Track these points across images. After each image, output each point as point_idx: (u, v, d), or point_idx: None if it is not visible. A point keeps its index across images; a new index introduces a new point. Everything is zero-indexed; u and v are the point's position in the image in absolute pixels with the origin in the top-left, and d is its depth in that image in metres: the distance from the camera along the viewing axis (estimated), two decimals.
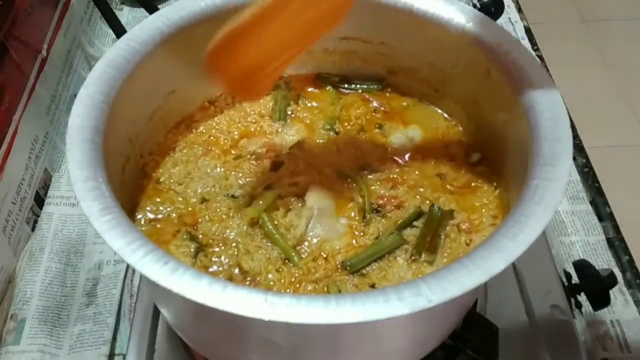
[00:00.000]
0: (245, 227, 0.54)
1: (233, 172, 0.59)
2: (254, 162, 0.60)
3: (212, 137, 0.62)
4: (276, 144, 0.61)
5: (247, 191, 0.57)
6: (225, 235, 0.53)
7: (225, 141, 0.62)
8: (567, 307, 0.64)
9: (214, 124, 0.63)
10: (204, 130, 0.63)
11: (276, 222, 0.54)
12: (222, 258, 0.52)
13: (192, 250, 0.52)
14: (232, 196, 0.56)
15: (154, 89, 0.57)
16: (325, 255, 0.52)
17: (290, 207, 0.56)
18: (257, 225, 0.54)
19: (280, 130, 0.63)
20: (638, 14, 2.20)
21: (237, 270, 0.51)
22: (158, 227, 0.54)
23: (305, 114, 0.65)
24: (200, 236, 0.54)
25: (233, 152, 0.61)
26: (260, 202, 0.55)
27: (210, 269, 0.52)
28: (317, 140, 0.62)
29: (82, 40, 0.99)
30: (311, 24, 0.49)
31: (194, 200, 0.56)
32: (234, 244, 0.53)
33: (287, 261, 0.52)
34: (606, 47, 2.09)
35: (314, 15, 0.49)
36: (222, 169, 0.59)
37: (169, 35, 0.56)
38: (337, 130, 0.63)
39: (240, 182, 0.58)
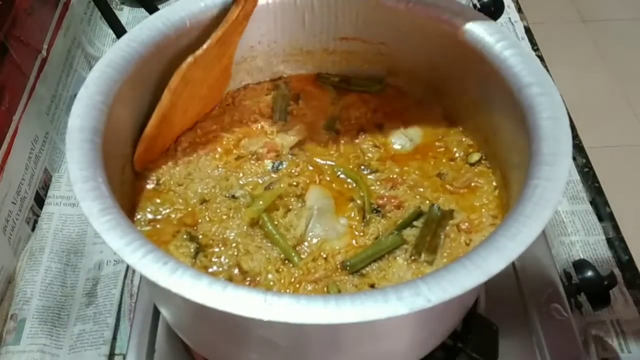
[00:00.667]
0: (245, 227, 0.54)
1: (234, 173, 0.59)
2: (254, 162, 0.60)
3: (214, 136, 0.62)
4: (277, 144, 0.61)
5: (247, 191, 0.57)
6: (225, 236, 0.53)
7: (228, 140, 0.62)
8: (567, 307, 0.64)
9: (216, 124, 0.63)
10: (207, 130, 0.63)
11: (276, 222, 0.54)
12: (222, 258, 0.52)
13: (191, 250, 0.52)
14: (233, 197, 0.56)
15: (154, 89, 0.57)
16: (325, 256, 0.52)
17: (290, 207, 0.56)
18: (257, 225, 0.54)
19: (280, 130, 0.63)
20: (638, 14, 2.20)
21: (236, 271, 0.51)
22: (157, 228, 0.54)
23: (305, 114, 0.65)
24: (200, 237, 0.54)
25: (235, 152, 0.61)
26: (260, 202, 0.55)
27: (210, 269, 0.52)
28: (318, 140, 0.62)
29: (82, 40, 1.00)
30: (205, 95, 0.61)
31: (194, 201, 0.56)
32: (233, 244, 0.53)
33: (287, 261, 0.52)
34: (606, 47, 2.09)
35: (204, 90, 0.60)
36: (223, 170, 0.59)
37: (168, 36, 0.56)
38: (337, 130, 0.63)
39: (240, 182, 0.58)
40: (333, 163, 0.60)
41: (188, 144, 0.61)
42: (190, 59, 0.55)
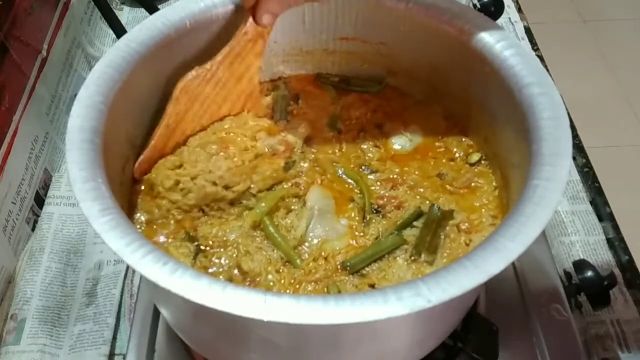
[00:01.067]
0: (246, 228, 0.53)
1: (248, 175, 0.55)
2: (269, 159, 0.57)
3: (227, 134, 0.58)
4: (291, 141, 0.60)
5: (252, 193, 0.55)
6: (225, 237, 0.53)
7: (244, 139, 0.58)
8: (567, 307, 0.64)
9: (231, 120, 0.60)
10: (221, 129, 0.59)
11: (277, 223, 0.54)
12: (222, 259, 0.52)
13: (191, 251, 0.52)
14: (238, 203, 0.55)
15: (154, 89, 0.57)
16: (325, 256, 0.52)
17: (291, 207, 0.55)
18: (258, 227, 0.54)
19: (283, 130, 0.62)
20: (638, 14, 2.20)
21: (236, 271, 0.51)
22: (155, 229, 0.54)
23: (306, 113, 0.65)
24: (200, 239, 0.53)
25: (251, 148, 0.57)
26: (263, 204, 0.54)
27: (210, 270, 0.51)
28: (323, 137, 0.62)
29: (82, 40, 1.00)
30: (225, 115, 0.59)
31: (194, 209, 0.54)
32: (234, 245, 0.53)
33: (287, 262, 0.52)
34: (606, 47, 2.09)
35: (223, 111, 0.58)
36: (237, 169, 0.55)
37: (168, 36, 0.55)
38: (339, 129, 0.63)
39: (249, 181, 0.55)
40: (338, 163, 0.60)
41: (197, 145, 0.57)
42: (193, 71, 0.55)
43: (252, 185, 0.56)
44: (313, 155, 0.60)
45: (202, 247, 0.53)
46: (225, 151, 0.56)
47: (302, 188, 0.57)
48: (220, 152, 0.55)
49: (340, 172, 0.59)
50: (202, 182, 0.53)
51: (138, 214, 0.55)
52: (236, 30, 0.56)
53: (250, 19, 0.55)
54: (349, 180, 0.58)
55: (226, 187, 0.55)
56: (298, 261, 0.51)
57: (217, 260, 0.52)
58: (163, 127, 0.55)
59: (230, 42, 0.56)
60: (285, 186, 0.57)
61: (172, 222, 0.54)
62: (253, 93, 0.60)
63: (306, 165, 0.59)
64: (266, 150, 0.58)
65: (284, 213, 0.55)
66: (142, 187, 0.56)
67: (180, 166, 0.55)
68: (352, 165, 0.60)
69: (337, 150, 0.61)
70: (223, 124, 0.58)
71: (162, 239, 0.53)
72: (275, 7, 0.54)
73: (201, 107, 0.57)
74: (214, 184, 0.54)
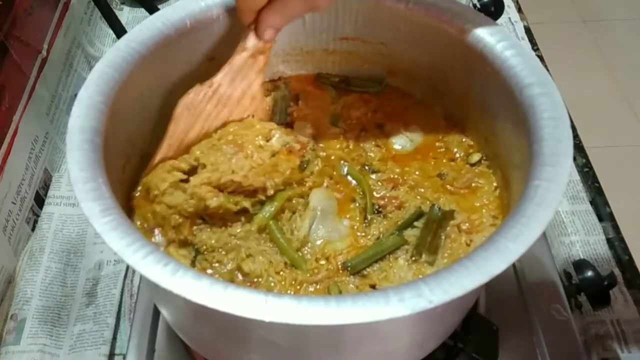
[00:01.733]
0: (252, 232, 0.53)
1: (266, 173, 0.53)
2: (285, 157, 0.55)
3: (235, 135, 0.55)
4: (303, 140, 0.58)
5: (261, 200, 0.54)
6: (226, 241, 0.52)
7: (255, 139, 0.56)
8: (567, 307, 0.64)
9: (227, 128, 0.57)
10: (226, 131, 0.56)
11: (281, 226, 0.53)
12: (223, 261, 0.51)
13: (191, 253, 0.52)
14: (242, 210, 0.53)
15: (155, 89, 0.57)
16: (327, 256, 0.52)
17: (295, 208, 0.55)
18: (263, 231, 0.53)
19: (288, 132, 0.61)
20: (638, 14, 2.20)
21: (237, 273, 0.51)
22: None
23: (306, 115, 0.64)
24: (199, 244, 0.52)
25: (266, 147, 0.55)
26: (271, 207, 0.53)
27: (210, 271, 0.51)
28: (330, 135, 0.62)
29: (82, 40, 0.99)
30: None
31: (192, 213, 0.53)
32: (235, 248, 0.52)
33: (288, 264, 0.51)
34: (606, 47, 2.09)
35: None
36: (258, 166, 0.53)
37: (168, 36, 0.55)
38: (342, 128, 0.63)
39: (273, 182, 0.53)
40: (346, 161, 0.59)
41: (204, 149, 0.54)
42: (194, 89, 0.53)
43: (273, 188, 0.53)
44: (324, 153, 0.60)
45: (203, 249, 0.52)
46: (243, 151, 0.54)
47: (308, 187, 0.56)
48: (238, 152, 0.54)
49: (345, 172, 0.59)
50: (204, 194, 0.51)
51: (135, 218, 0.53)
52: (236, 31, 0.56)
53: (250, 35, 0.53)
54: (352, 181, 0.58)
55: (242, 193, 0.53)
56: (304, 266, 0.51)
57: (217, 263, 0.51)
58: (165, 146, 0.54)
59: (230, 59, 0.55)
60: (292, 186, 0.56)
61: (168, 228, 0.52)
62: (257, 110, 0.59)
63: (318, 165, 0.58)
64: (282, 146, 0.56)
65: (288, 215, 0.54)
66: (138, 192, 0.54)
67: (187, 171, 0.53)
68: (354, 165, 0.60)
69: (345, 148, 0.61)
70: (228, 128, 0.56)
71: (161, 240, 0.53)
72: (277, 21, 0.52)
73: (204, 125, 0.55)
74: (232, 191, 0.52)
